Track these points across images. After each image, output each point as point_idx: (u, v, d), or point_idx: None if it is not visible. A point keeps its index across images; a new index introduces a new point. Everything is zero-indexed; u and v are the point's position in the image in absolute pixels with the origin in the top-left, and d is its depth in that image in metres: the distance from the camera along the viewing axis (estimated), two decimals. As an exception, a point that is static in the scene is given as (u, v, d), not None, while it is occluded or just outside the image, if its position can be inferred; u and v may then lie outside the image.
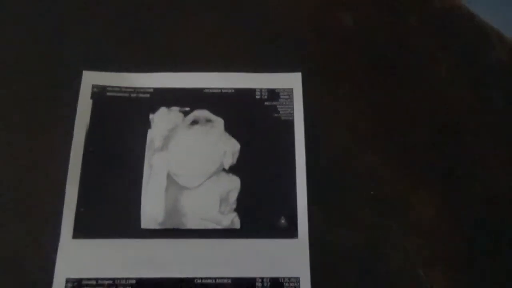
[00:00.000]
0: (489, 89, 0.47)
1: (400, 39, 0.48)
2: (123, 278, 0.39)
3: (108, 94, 0.45)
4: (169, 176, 0.42)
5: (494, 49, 0.48)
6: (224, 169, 0.43)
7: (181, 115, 0.44)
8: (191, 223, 0.41)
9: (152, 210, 0.41)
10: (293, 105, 0.45)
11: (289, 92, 0.46)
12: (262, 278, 0.39)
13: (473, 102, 0.46)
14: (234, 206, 0.42)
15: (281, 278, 0.40)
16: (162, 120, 0.44)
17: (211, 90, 0.45)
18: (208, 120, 0.44)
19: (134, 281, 0.39)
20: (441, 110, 0.46)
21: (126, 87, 0.45)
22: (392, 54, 0.48)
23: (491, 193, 0.43)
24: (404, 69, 0.47)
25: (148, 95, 0.45)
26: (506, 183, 0.43)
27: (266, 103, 0.45)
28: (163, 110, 0.45)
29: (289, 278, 0.39)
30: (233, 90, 0.46)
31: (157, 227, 0.41)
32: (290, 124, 0.44)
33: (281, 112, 0.45)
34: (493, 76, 0.47)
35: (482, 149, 0.44)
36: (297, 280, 0.39)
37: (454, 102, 0.46)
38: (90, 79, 0.45)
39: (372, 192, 0.42)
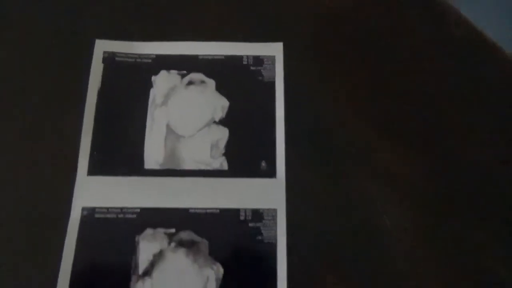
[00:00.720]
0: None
1: (383, 11, 0.56)
2: (129, 207, 0.47)
3: (117, 59, 0.53)
4: (168, 127, 0.50)
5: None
6: (215, 121, 0.51)
7: (179, 77, 0.52)
8: (187, 165, 0.49)
9: (153, 153, 0.49)
10: (275, 70, 0.53)
11: (272, 59, 0.53)
12: (245, 209, 0.47)
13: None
14: (223, 151, 0.50)
15: (261, 209, 0.47)
16: (163, 81, 0.52)
17: (204, 57, 0.53)
18: (202, 81, 0.52)
19: (138, 210, 0.47)
20: (418, 77, 0.53)
21: (132, 54, 0.53)
22: (373, 26, 0.55)
23: (450, 139, 0.51)
24: (383, 38, 0.54)
25: (150, 61, 0.53)
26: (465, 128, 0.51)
27: (252, 68, 0.53)
28: (163, 73, 0.52)
29: (268, 210, 0.47)
30: (223, 57, 0.53)
31: (157, 167, 0.49)
32: (271, 85, 0.52)
33: (264, 76, 0.53)
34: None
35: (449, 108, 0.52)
36: (275, 211, 0.47)
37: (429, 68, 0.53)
38: (102, 46, 0.53)
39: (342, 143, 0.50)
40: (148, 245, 0.46)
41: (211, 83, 0.52)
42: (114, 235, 0.46)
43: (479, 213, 0.48)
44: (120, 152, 0.49)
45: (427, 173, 0.49)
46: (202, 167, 0.49)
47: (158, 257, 0.45)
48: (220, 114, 0.51)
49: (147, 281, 0.44)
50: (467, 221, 0.47)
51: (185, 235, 0.46)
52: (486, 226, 0.47)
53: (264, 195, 0.48)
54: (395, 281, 0.45)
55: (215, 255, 0.46)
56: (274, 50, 0.54)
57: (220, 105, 0.51)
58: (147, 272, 0.45)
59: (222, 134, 0.50)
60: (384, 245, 0.47)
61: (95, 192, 0.47)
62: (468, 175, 0.49)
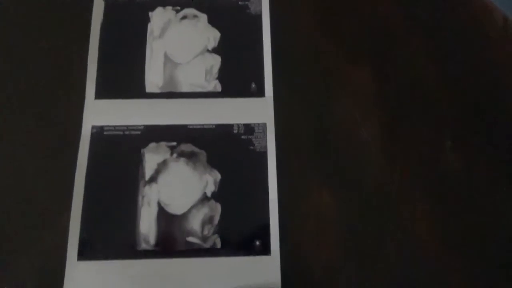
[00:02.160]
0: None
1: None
2: (134, 125, 0.52)
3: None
4: (165, 56, 0.55)
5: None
6: (208, 50, 0.56)
7: (173, 12, 0.58)
8: (184, 88, 0.54)
9: (154, 78, 0.54)
10: (261, 5, 0.58)
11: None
12: (238, 124, 0.53)
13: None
14: (216, 76, 0.55)
15: (252, 124, 0.53)
16: (159, 16, 0.57)
17: (195, -5, 0.59)
18: (195, 16, 0.58)
19: (142, 127, 0.52)
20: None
21: (130, -7, 0.58)
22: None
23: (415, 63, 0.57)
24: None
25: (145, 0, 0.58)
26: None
27: (240, 2, 0.58)
28: (159, 9, 0.58)
29: (258, 124, 0.53)
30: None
31: (158, 91, 0.54)
32: (259, 18, 0.57)
33: (251, 9, 0.58)
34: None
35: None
36: (264, 125, 0.53)
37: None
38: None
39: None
40: (152, 156, 0.51)
41: (203, 17, 0.57)
42: (121, 149, 0.51)
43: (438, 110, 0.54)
44: (124, 78, 0.54)
45: (395, 89, 0.55)
46: (198, 89, 0.54)
47: (162, 166, 0.51)
48: (212, 43, 0.56)
49: (154, 186, 0.50)
50: (426, 119, 0.54)
51: (185, 147, 0.52)
52: (446, 113, 0.54)
53: (255, 112, 0.54)
54: (375, 179, 0.51)
55: (212, 163, 0.51)
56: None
57: (212, 36, 0.57)
58: (153, 179, 0.50)
59: (215, 61, 0.56)
60: (365, 154, 0.53)
61: (103, 113, 0.53)
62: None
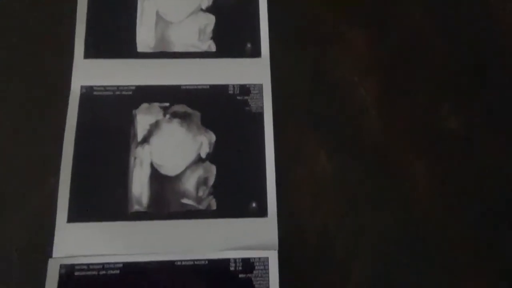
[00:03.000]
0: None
1: None
2: (125, 85, 0.50)
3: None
4: (157, 14, 0.53)
5: None
6: (201, 9, 0.54)
7: (165, -30, 0.55)
8: (177, 48, 0.52)
9: (145, 38, 0.52)
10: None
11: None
12: (233, 85, 0.51)
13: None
14: (210, 35, 0.53)
15: (247, 84, 0.51)
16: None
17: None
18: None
19: (133, 87, 0.50)
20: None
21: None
22: None
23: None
24: None
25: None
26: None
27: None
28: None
29: (254, 84, 0.51)
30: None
31: (149, 50, 0.52)
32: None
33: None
34: None
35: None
36: (261, 85, 0.51)
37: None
38: None
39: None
40: (144, 117, 0.49)
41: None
42: (112, 110, 0.49)
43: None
44: (114, 37, 0.52)
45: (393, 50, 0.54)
46: (191, 49, 0.52)
47: (155, 127, 0.49)
48: (206, 2, 0.54)
49: (146, 147, 0.48)
50: (423, 92, 0.52)
51: (179, 107, 0.50)
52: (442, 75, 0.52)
53: (250, 72, 0.52)
54: (372, 140, 0.50)
55: (207, 124, 0.50)
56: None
57: (205, -4, 0.54)
58: (145, 140, 0.49)
59: (209, 20, 0.54)
60: (362, 116, 0.51)
61: (92, 73, 0.51)
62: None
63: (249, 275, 0.44)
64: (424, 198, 0.48)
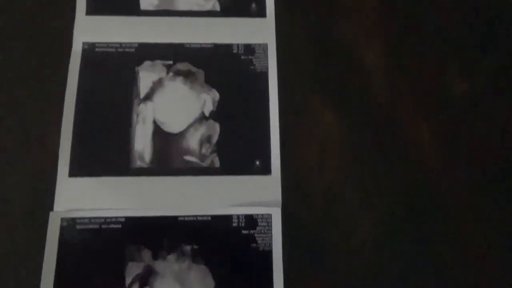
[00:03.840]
0: None
1: None
2: (128, 42, 0.49)
3: None
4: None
5: None
6: (205, -33, 0.53)
7: None
8: (181, 6, 0.51)
9: (148, -4, 0.51)
10: None
11: None
12: (238, 44, 0.50)
13: None
14: (215, -5, 0.52)
15: (252, 44, 0.50)
16: None
17: None
18: None
19: (136, 45, 0.49)
20: None
21: None
22: None
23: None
24: None
25: None
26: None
27: None
28: None
29: (259, 44, 0.50)
30: None
31: (153, 8, 0.51)
32: None
33: None
34: None
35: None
36: (265, 45, 0.50)
37: None
38: None
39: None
40: (147, 74, 0.49)
41: None
42: (114, 67, 0.49)
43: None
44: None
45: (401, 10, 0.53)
46: (196, 8, 0.51)
47: (158, 84, 0.48)
48: (210, -38, 0.53)
49: (149, 104, 0.48)
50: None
51: (182, 66, 0.49)
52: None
53: (255, 32, 0.51)
54: (378, 99, 0.49)
55: (211, 83, 0.49)
56: None
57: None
58: (148, 97, 0.48)
59: (213, -22, 0.53)
60: (368, 75, 0.51)
61: (95, 30, 0.50)
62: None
63: (252, 231, 0.44)
64: (429, 159, 0.48)
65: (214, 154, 0.46)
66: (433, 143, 0.48)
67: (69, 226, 0.43)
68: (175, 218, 0.44)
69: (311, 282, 0.43)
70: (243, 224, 0.44)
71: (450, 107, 0.50)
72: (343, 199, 0.46)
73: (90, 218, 0.43)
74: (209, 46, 0.50)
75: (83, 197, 0.44)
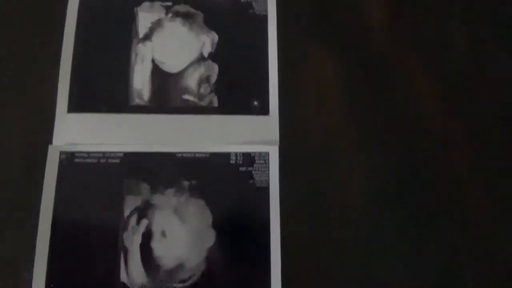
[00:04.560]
0: None
1: None
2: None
3: None
4: None
5: None
6: None
7: None
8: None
9: None
10: None
11: None
12: None
13: None
14: None
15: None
16: None
17: None
18: None
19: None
20: None
21: None
22: None
23: None
24: None
25: None
26: None
27: None
28: None
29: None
30: None
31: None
32: None
33: None
34: None
35: None
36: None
37: None
38: None
39: None
40: (146, 15, 0.48)
41: None
42: (113, 6, 0.48)
43: None
44: None
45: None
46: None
47: (157, 25, 0.48)
48: None
49: (148, 44, 0.48)
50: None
51: (181, 7, 0.49)
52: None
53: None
54: (376, 46, 0.50)
55: (210, 24, 0.49)
56: None
57: None
58: (147, 37, 0.48)
59: None
60: (367, 21, 0.51)
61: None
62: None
63: (249, 168, 0.44)
64: (428, 107, 0.48)
65: (213, 94, 0.47)
66: (432, 93, 0.49)
67: (68, 159, 0.43)
68: (173, 154, 0.44)
69: (307, 218, 0.44)
70: (240, 162, 0.44)
71: (449, 56, 0.50)
72: (340, 140, 0.46)
73: (89, 153, 0.44)
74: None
75: (81, 133, 0.44)
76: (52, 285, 0.40)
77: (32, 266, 0.41)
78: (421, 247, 0.44)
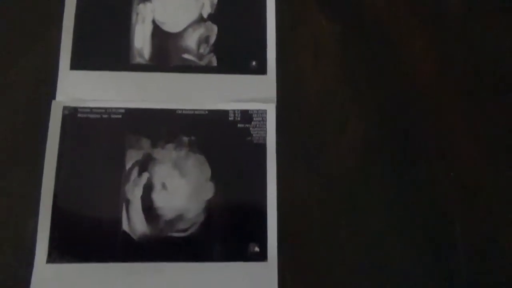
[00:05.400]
0: None
1: None
2: None
3: None
4: None
5: None
6: None
7: None
8: None
9: None
10: None
11: None
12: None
13: None
14: None
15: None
16: None
17: None
18: None
19: None
20: None
21: None
22: None
23: None
24: None
25: None
26: None
27: None
28: None
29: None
30: None
31: None
32: None
33: None
34: None
35: None
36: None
37: None
38: None
39: None
40: (147, -23, 0.49)
41: None
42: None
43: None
44: None
45: None
46: None
47: (156, -13, 0.49)
48: None
49: (148, 5, 0.48)
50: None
51: (181, -31, 0.50)
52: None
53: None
54: (373, 10, 0.51)
55: (209, -12, 0.50)
56: None
57: None
58: (148, -4, 0.49)
59: None
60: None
61: None
62: None
63: (247, 125, 0.46)
64: (422, 68, 0.49)
65: (212, 54, 0.48)
66: (428, 53, 0.50)
67: (71, 114, 0.44)
68: (173, 110, 0.45)
69: (303, 173, 0.45)
70: (238, 118, 0.46)
71: (443, 22, 0.51)
72: (335, 99, 0.48)
73: (91, 108, 0.45)
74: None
75: (84, 89, 0.46)
76: (56, 234, 0.42)
77: (37, 217, 0.43)
78: (411, 198, 0.46)
